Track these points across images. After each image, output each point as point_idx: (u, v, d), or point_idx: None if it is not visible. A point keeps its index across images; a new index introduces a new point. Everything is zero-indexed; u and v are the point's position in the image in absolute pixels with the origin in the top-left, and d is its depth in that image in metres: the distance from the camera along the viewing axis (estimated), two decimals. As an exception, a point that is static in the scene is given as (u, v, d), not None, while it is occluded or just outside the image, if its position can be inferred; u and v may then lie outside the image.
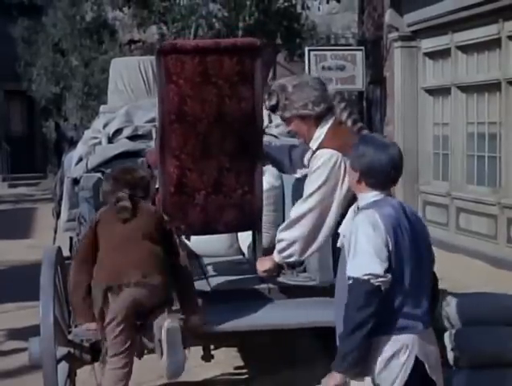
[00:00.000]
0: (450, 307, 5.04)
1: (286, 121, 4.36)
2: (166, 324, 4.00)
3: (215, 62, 4.41)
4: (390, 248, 3.19)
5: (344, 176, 3.99)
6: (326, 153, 4.12)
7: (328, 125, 4.25)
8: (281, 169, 4.90)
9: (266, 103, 4.29)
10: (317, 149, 4.21)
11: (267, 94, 4.28)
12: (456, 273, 8.70)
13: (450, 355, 4.76)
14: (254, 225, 4.83)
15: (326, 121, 4.26)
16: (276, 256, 4.37)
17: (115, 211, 4.26)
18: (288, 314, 4.46)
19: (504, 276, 8.90)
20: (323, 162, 4.10)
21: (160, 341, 4.00)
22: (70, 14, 18.61)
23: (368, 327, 3.14)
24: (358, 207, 3.42)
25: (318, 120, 4.25)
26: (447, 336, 4.82)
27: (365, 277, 3.14)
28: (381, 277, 3.15)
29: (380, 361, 3.23)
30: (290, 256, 4.31)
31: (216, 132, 4.46)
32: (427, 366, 3.27)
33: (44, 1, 21.85)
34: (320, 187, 4.12)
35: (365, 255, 3.18)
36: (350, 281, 3.20)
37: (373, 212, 3.24)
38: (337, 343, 3.31)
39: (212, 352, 5.07)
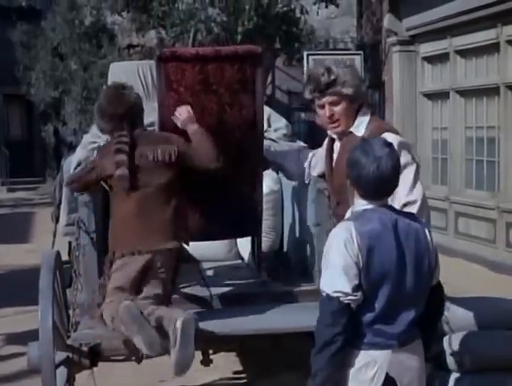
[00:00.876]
0: (449, 312, 5.04)
1: (333, 102, 3.98)
2: (182, 314, 3.98)
3: (216, 70, 4.39)
4: (361, 265, 3.13)
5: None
6: (395, 137, 3.87)
7: (369, 114, 4.08)
8: (288, 176, 4.83)
9: (322, 78, 4.01)
10: (370, 134, 3.89)
11: (324, 70, 3.96)
12: (454, 277, 8.69)
13: (450, 360, 4.75)
14: (255, 231, 4.84)
15: (365, 109, 4.09)
16: None
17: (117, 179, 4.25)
18: (288, 318, 4.46)
19: (503, 280, 8.91)
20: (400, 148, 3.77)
21: (175, 329, 3.92)
22: (69, 18, 18.62)
23: (337, 345, 3.11)
24: (352, 211, 3.38)
25: (359, 107, 4.05)
26: (446, 340, 4.81)
27: (335, 295, 3.12)
28: (350, 295, 3.12)
29: (348, 374, 3.20)
30: None
31: (216, 140, 4.40)
32: (398, 384, 3.21)
33: (43, 5, 21.90)
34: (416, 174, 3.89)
35: (335, 270, 3.14)
36: (322, 294, 3.19)
37: (350, 226, 3.17)
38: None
39: (211, 357, 5.06)
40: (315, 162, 4.45)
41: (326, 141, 4.30)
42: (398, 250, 3.20)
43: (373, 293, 3.18)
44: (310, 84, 4.00)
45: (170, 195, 4.29)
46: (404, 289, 3.21)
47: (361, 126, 4.02)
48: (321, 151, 4.38)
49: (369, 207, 3.27)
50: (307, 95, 4.05)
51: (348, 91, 3.97)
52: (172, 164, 4.28)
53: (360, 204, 3.29)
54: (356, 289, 3.13)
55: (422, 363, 3.34)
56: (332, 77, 3.94)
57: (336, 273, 3.14)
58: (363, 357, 3.20)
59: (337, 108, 3.99)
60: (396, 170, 3.26)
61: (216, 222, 4.66)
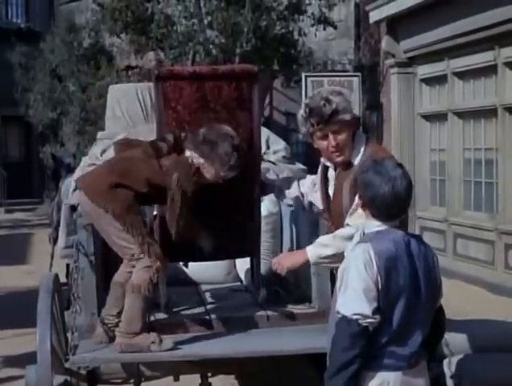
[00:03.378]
0: (449, 334, 5.02)
1: (336, 131, 3.98)
2: None
3: (213, 88, 4.42)
4: (380, 287, 3.14)
5: None
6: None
7: (364, 140, 4.06)
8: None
9: (324, 109, 4.01)
10: (366, 161, 3.85)
11: (323, 101, 3.97)
12: (453, 299, 8.66)
13: (449, 383, 4.73)
14: (253, 252, 4.83)
15: (360, 134, 4.10)
16: (314, 252, 3.89)
17: None
18: (286, 341, 4.44)
19: (502, 302, 8.89)
20: None
21: None
22: (68, 40, 18.70)
23: (354, 367, 3.11)
24: (364, 233, 3.39)
25: (353, 133, 4.05)
26: (446, 363, 4.80)
27: (354, 317, 3.12)
28: (369, 317, 3.12)
29: None
30: (330, 257, 3.84)
31: None
32: None
33: (42, 27, 21.98)
34: None
35: (355, 293, 3.14)
36: (339, 316, 3.18)
37: (368, 248, 3.18)
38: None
39: (210, 380, 5.04)
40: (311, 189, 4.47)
41: (320, 169, 4.29)
42: (412, 270, 3.23)
43: (388, 316, 3.18)
44: (312, 117, 3.97)
45: None
46: (417, 311, 3.23)
47: (357, 153, 4.01)
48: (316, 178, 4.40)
49: (381, 228, 3.28)
50: (307, 129, 4.03)
51: (348, 117, 3.98)
52: None
53: (372, 225, 3.31)
54: (375, 311, 3.14)
55: (428, 384, 3.36)
56: (334, 106, 3.95)
57: (355, 296, 3.14)
58: (376, 378, 3.20)
59: (340, 137, 3.98)
60: (410, 190, 3.30)
61: (213, 242, 4.63)
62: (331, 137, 3.98)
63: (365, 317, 3.12)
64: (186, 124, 4.43)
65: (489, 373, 4.80)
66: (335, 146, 3.98)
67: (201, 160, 4.28)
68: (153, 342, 4.21)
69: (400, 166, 3.35)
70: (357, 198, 3.51)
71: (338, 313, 3.19)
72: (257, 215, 4.72)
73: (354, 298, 3.14)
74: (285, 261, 4.04)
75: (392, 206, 3.24)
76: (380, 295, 3.15)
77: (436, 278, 3.34)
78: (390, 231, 3.28)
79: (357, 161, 3.97)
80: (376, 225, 3.30)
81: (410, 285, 3.20)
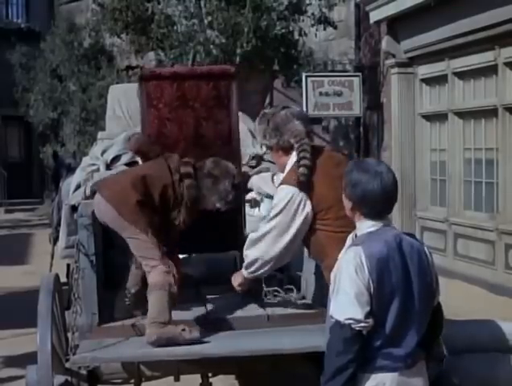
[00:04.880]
0: (449, 334, 5.02)
1: (271, 149, 4.54)
2: None
3: (192, 87, 4.72)
4: (372, 291, 3.14)
5: (299, 209, 4.21)
6: (284, 189, 4.29)
7: (292, 162, 4.35)
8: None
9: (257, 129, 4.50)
10: (280, 183, 4.39)
11: (258, 120, 4.47)
12: (454, 299, 8.68)
13: (449, 383, 4.73)
14: (237, 246, 4.96)
15: (292, 156, 4.38)
16: (244, 272, 4.57)
17: None
18: (287, 340, 4.45)
19: (502, 302, 8.89)
20: (280, 198, 4.27)
21: None
22: (68, 40, 18.70)
23: (349, 372, 3.11)
24: (356, 235, 3.38)
25: (284, 151, 4.41)
26: (446, 363, 4.79)
27: (347, 322, 3.12)
28: (362, 322, 3.12)
29: None
30: (254, 272, 4.50)
31: (193, 153, 4.70)
32: None
33: (42, 27, 21.97)
34: (276, 216, 4.28)
35: (347, 297, 3.14)
36: (332, 321, 3.18)
37: (360, 251, 3.17)
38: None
39: (210, 380, 5.04)
40: None
41: None
42: (404, 270, 3.21)
43: (382, 317, 3.17)
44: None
45: None
46: (411, 310, 3.22)
47: (283, 174, 4.43)
48: None
49: (374, 229, 3.28)
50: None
51: (265, 142, 4.52)
52: None
53: (364, 227, 3.30)
54: (367, 315, 3.13)
55: (426, 384, 3.35)
56: (261, 134, 4.54)
57: (347, 300, 3.14)
58: (372, 380, 3.19)
59: (273, 156, 4.63)
60: (396, 184, 3.31)
61: (195, 236, 4.78)
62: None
63: (358, 321, 3.12)
64: (167, 121, 4.73)
65: (490, 373, 4.80)
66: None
67: (203, 191, 4.62)
68: (183, 330, 4.33)
69: (382, 162, 3.41)
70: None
71: (331, 317, 3.19)
72: (239, 209, 4.95)
73: (346, 303, 3.14)
74: (233, 281, 4.66)
75: (382, 201, 3.25)
76: (372, 298, 3.14)
77: (431, 277, 3.32)
78: (381, 231, 3.27)
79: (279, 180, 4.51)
80: (367, 226, 3.29)
81: (402, 285, 3.19)
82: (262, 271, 4.48)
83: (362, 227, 3.31)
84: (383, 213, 3.30)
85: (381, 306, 3.16)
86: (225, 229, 4.87)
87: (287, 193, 4.24)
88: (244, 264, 4.56)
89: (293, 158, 4.35)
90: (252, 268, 4.49)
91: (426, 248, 3.36)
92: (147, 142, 4.87)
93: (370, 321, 3.14)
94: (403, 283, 3.19)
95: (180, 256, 5.28)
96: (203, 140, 4.77)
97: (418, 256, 3.27)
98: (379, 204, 3.25)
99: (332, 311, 3.20)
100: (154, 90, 4.70)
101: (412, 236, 3.41)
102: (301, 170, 4.22)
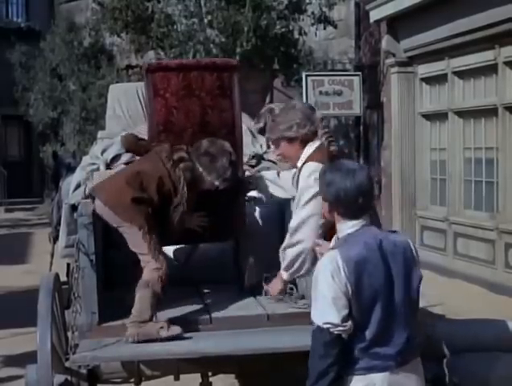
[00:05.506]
0: (449, 333, 5.03)
1: (274, 144, 4.56)
2: None
3: (197, 77, 4.86)
4: (350, 294, 3.14)
5: None
6: (312, 165, 4.21)
7: (314, 148, 4.33)
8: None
9: (256, 126, 4.48)
10: (302, 165, 4.32)
11: (256, 117, 4.47)
12: (454, 298, 8.68)
13: (449, 382, 4.73)
14: (238, 234, 5.10)
15: (312, 144, 4.37)
16: (284, 275, 4.46)
17: None
18: (287, 339, 4.45)
19: (502, 301, 8.88)
20: (311, 172, 4.17)
21: None
22: (68, 39, 18.68)
23: (330, 376, 3.13)
24: (338, 237, 3.38)
25: (303, 143, 4.38)
26: (446, 363, 4.80)
27: (325, 326, 3.13)
28: (339, 326, 3.13)
29: None
30: (297, 271, 4.38)
31: (200, 139, 4.78)
32: None
33: (42, 26, 21.94)
34: (314, 196, 4.12)
35: (325, 302, 3.16)
36: (314, 326, 3.20)
37: (336, 255, 3.18)
38: None
39: (210, 379, 5.04)
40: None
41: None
42: (386, 271, 3.21)
43: (365, 318, 3.18)
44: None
45: None
46: (396, 309, 3.22)
47: (303, 159, 4.39)
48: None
49: (353, 230, 3.28)
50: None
51: (275, 136, 4.48)
52: None
53: (344, 228, 3.31)
54: (345, 319, 3.14)
55: (421, 383, 3.34)
56: (261, 125, 4.95)
57: (325, 305, 3.15)
58: (362, 381, 3.19)
59: (278, 150, 4.57)
60: (371, 181, 3.34)
61: (200, 226, 4.83)
62: (276, 147, 4.55)
63: (336, 325, 3.13)
64: (174, 110, 4.83)
65: (490, 373, 4.80)
66: (280, 154, 4.55)
67: (200, 169, 4.66)
68: (161, 327, 4.36)
69: (355, 163, 3.48)
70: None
71: (312, 323, 3.20)
72: (241, 198, 5.06)
73: (324, 307, 3.15)
74: (273, 290, 4.66)
75: (357, 198, 3.25)
76: (352, 301, 3.15)
77: (416, 273, 3.31)
78: (361, 232, 3.27)
79: (299, 164, 4.39)
80: (347, 227, 3.29)
81: (384, 287, 3.19)
82: (305, 266, 4.30)
83: (342, 228, 3.32)
84: (361, 211, 3.30)
85: (363, 308, 3.16)
86: (224, 216, 4.92)
87: (317, 167, 4.09)
88: (283, 266, 4.45)
89: (314, 144, 4.35)
90: (294, 267, 4.36)
91: (411, 244, 3.36)
92: (134, 140, 5.02)
93: (348, 324, 3.15)
94: (385, 284, 3.20)
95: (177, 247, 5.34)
96: (208, 127, 4.86)
97: (402, 255, 3.28)
98: (355, 202, 3.26)
99: (312, 316, 3.22)
100: (161, 81, 4.81)
101: (394, 232, 3.42)
102: (333, 147, 4.30)
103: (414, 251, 3.35)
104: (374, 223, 3.45)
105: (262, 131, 4.62)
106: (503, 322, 5.43)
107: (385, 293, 3.19)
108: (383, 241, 3.26)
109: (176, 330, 4.39)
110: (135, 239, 4.50)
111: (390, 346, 3.20)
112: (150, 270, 4.46)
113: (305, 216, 4.22)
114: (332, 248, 3.29)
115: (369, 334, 3.18)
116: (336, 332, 3.13)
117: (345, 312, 3.14)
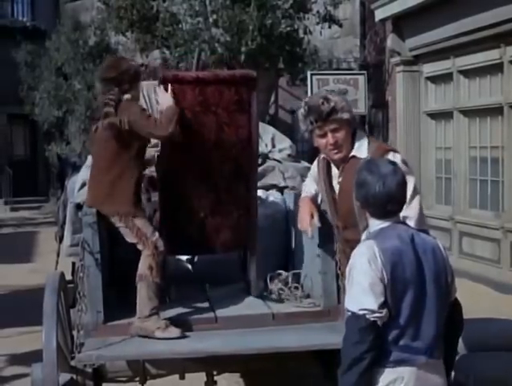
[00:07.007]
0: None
1: (334, 129, 4.11)
2: None
3: (214, 92, 4.64)
4: (386, 282, 3.15)
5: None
6: (393, 155, 4.03)
7: (366, 136, 4.23)
8: None
9: (322, 107, 4.10)
10: (374, 155, 4.02)
11: (322, 99, 4.11)
12: (459, 297, 8.65)
13: (456, 381, 4.72)
14: (249, 246, 4.98)
15: (361, 132, 4.25)
16: None
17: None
18: (292, 339, 4.45)
19: (508, 300, 8.86)
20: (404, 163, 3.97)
21: None
22: (73, 38, 18.72)
23: (365, 362, 3.12)
24: (369, 232, 3.39)
25: (354, 131, 4.20)
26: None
27: (361, 313, 3.14)
28: (376, 312, 3.14)
29: None
30: None
31: (214, 157, 4.68)
32: None
33: (48, 25, 21.97)
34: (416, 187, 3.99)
35: (361, 288, 3.16)
36: (348, 313, 3.20)
37: (372, 245, 3.21)
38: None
39: (215, 378, 5.04)
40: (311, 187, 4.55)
41: (318, 167, 4.40)
42: (418, 265, 3.23)
43: (397, 309, 3.19)
44: (311, 114, 4.10)
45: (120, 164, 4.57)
46: (426, 304, 3.23)
47: (362, 148, 4.14)
48: (314, 175, 4.51)
49: (385, 225, 3.30)
50: (307, 126, 4.15)
51: (347, 116, 4.11)
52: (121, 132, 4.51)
53: (375, 224, 3.33)
54: (382, 306, 3.15)
55: (445, 382, 3.35)
56: (332, 105, 4.09)
57: (361, 291, 3.16)
58: (390, 374, 3.20)
59: (339, 135, 4.12)
60: (402, 186, 3.32)
61: (213, 236, 4.82)
62: (329, 135, 4.12)
63: (372, 311, 3.13)
64: (188, 125, 4.61)
65: (495, 372, 4.80)
66: (333, 144, 4.13)
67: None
68: (158, 328, 4.36)
69: (393, 163, 3.39)
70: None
71: (347, 310, 3.21)
72: (253, 211, 4.90)
73: (360, 294, 3.16)
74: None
75: (385, 204, 3.26)
76: (386, 289, 3.16)
77: (446, 272, 3.32)
78: (393, 227, 3.30)
79: (364, 154, 4.08)
80: (378, 223, 3.32)
81: (416, 279, 3.21)
82: None
83: (373, 224, 3.34)
84: (390, 214, 3.31)
85: (396, 298, 3.17)
86: (237, 228, 4.86)
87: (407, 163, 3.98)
88: None
89: (363, 134, 4.24)
90: None
91: (440, 244, 3.38)
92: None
93: (384, 311, 3.15)
94: (417, 277, 3.21)
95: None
96: (224, 144, 4.70)
97: (432, 252, 3.30)
98: (381, 206, 3.28)
99: (347, 303, 3.22)
100: (176, 94, 4.58)
101: (424, 231, 3.43)
102: None
103: (443, 251, 3.37)
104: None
105: (330, 112, 4.15)
106: (509, 321, 5.42)
107: (417, 286, 3.20)
108: (415, 237, 3.29)
109: (174, 332, 4.38)
110: (124, 231, 4.57)
111: (420, 340, 3.21)
112: (143, 260, 4.50)
113: (419, 207, 3.99)
114: (366, 240, 3.30)
115: (399, 326, 3.19)
116: (372, 319, 3.13)
117: (382, 299, 3.15)
